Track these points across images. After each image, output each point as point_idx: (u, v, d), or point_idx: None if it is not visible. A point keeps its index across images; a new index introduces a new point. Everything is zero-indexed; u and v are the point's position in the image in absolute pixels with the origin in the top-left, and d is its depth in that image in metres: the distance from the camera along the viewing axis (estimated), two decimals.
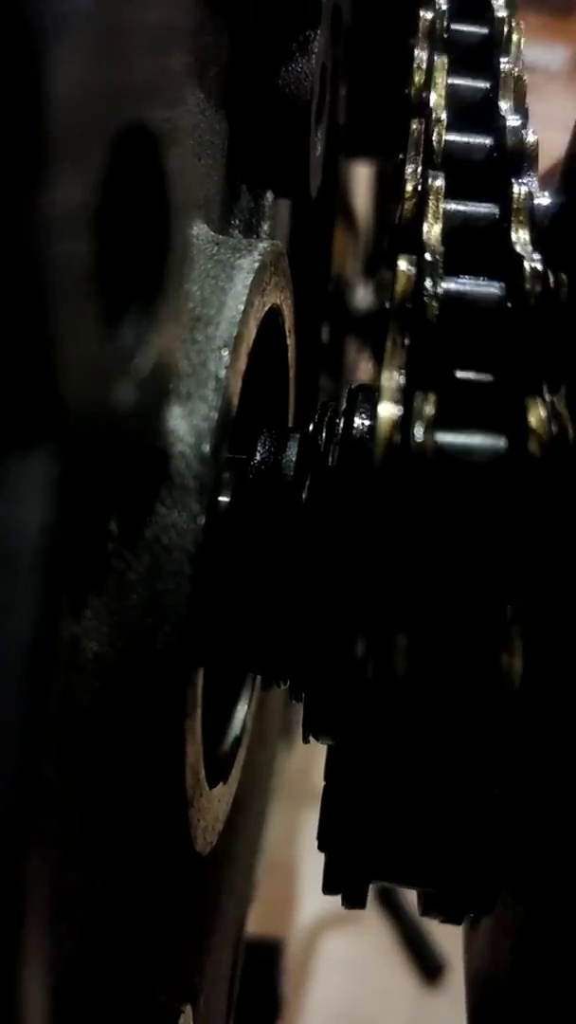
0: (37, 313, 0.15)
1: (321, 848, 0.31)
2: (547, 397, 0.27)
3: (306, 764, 1.10)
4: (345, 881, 0.30)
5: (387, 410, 0.27)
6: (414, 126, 0.36)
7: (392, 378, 0.27)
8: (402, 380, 0.27)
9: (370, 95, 0.62)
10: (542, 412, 0.26)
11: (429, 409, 0.26)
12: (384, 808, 0.29)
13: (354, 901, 0.31)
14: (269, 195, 0.42)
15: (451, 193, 0.33)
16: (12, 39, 0.13)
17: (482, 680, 0.27)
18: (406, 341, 0.28)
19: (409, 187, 0.34)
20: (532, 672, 0.27)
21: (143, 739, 0.27)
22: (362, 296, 1.29)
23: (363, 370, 1.26)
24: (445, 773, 0.28)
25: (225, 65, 0.37)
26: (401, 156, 0.36)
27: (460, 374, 0.28)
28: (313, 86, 0.41)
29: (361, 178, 1.21)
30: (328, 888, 0.31)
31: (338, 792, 0.30)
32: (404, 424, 0.27)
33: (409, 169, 0.34)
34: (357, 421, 0.33)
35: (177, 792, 0.29)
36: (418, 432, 0.26)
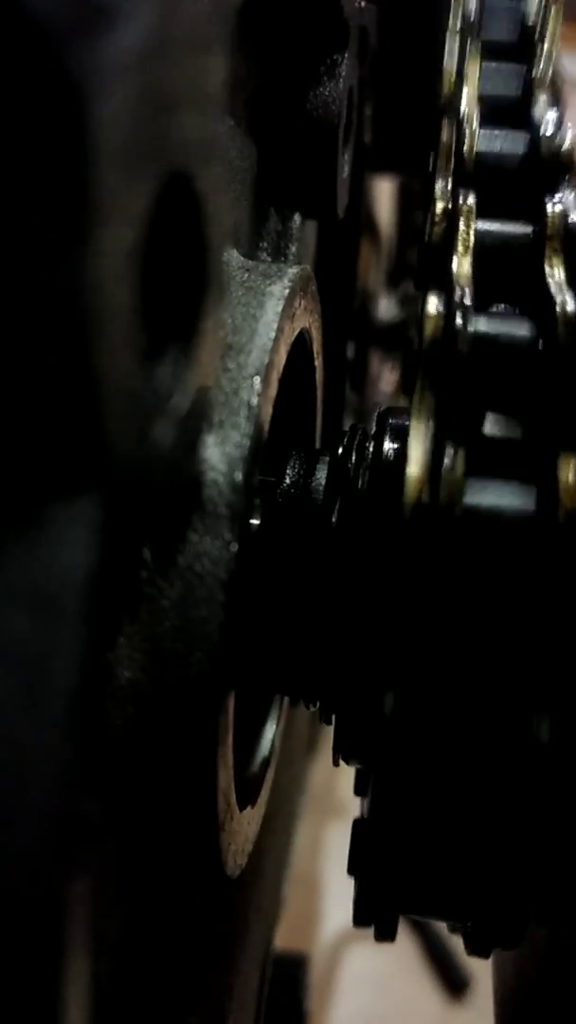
0: (81, 358, 0.15)
1: (352, 874, 0.31)
2: None
3: (330, 778, 1.10)
4: (376, 913, 0.30)
5: (416, 469, 0.27)
6: (443, 136, 0.36)
7: (421, 432, 0.28)
8: (431, 432, 0.28)
9: (396, 113, 0.62)
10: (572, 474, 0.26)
11: (459, 468, 0.27)
12: (416, 839, 0.29)
13: (385, 933, 0.31)
14: (297, 217, 0.42)
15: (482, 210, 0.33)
16: (58, 93, 0.14)
17: (514, 710, 0.27)
18: (434, 387, 0.28)
19: (439, 207, 0.33)
20: (565, 702, 0.27)
21: (176, 765, 0.27)
22: (385, 307, 1.29)
23: (387, 381, 1.26)
24: (475, 802, 0.28)
25: (253, 90, 0.38)
26: (430, 168, 0.36)
27: (490, 428, 0.28)
28: (341, 109, 0.41)
29: (384, 191, 1.21)
30: (359, 920, 0.31)
31: (370, 822, 0.30)
32: (433, 481, 0.27)
33: (439, 186, 0.34)
34: (386, 445, 0.33)
35: (209, 817, 0.29)
36: (445, 493, 0.26)
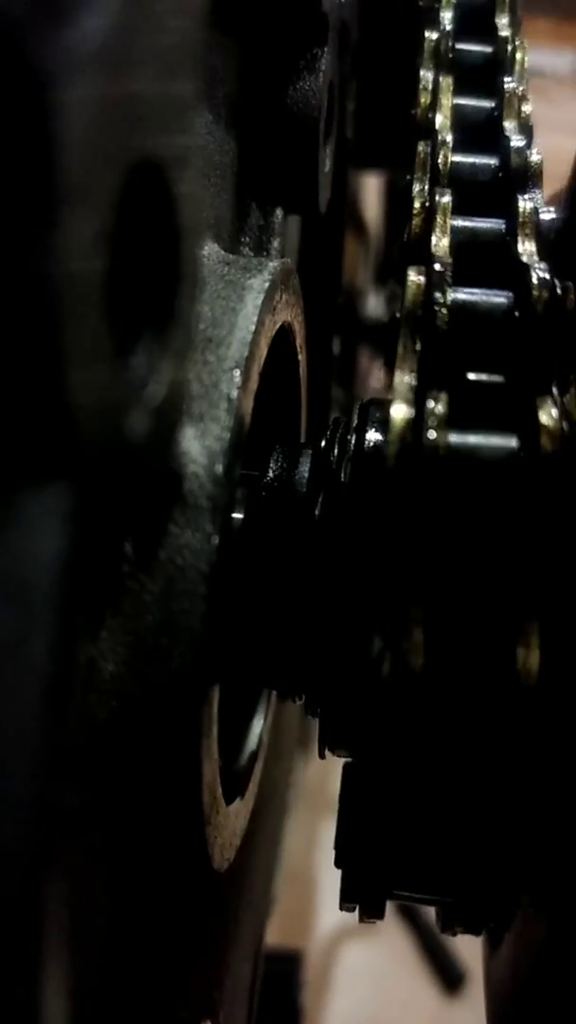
0: (51, 344, 0.15)
1: (338, 862, 0.31)
2: (557, 397, 0.27)
3: (323, 774, 1.10)
4: (362, 895, 0.30)
5: (400, 411, 0.27)
6: (420, 148, 0.36)
7: (404, 381, 0.28)
8: (414, 382, 0.28)
9: (378, 109, 0.62)
10: (553, 411, 0.26)
11: (441, 408, 0.27)
12: (400, 821, 0.29)
13: (371, 913, 0.31)
14: (279, 212, 0.42)
15: (458, 210, 0.33)
16: (21, 81, 0.14)
17: (498, 685, 0.27)
18: (417, 347, 0.29)
19: (417, 204, 0.34)
20: (550, 677, 0.27)
21: (160, 758, 0.27)
22: (373, 305, 1.29)
23: (375, 378, 1.26)
24: (461, 784, 0.28)
25: (233, 85, 0.38)
26: (408, 177, 0.36)
27: (471, 376, 0.28)
28: (321, 103, 0.41)
29: (371, 188, 1.21)
30: (345, 901, 0.31)
31: (354, 806, 0.30)
32: (417, 425, 0.27)
33: (416, 188, 0.34)
34: (368, 436, 0.33)
35: (194, 810, 0.29)
36: (431, 431, 0.26)
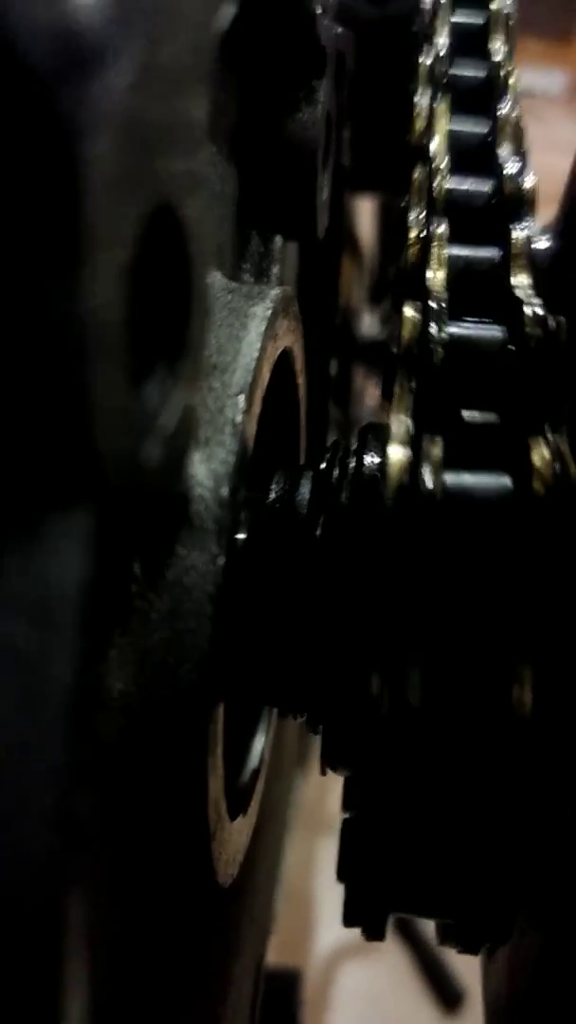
0: (75, 377, 0.16)
1: (340, 879, 0.32)
2: (550, 437, 0.28)
3: (321, 794, 1.10)
4: (365, 914, 0.31)
5: (397, 454, 0.28)
6: (416, 174, 0.37)
7: (401, 422, 0.28)
8: (411, 424, 0.29)
9: (373, 135, 0.63)
10: (545, 452, 0.27)
11: (437, 452, 0.28)
12: (402, 839, 0.29)
13: (374, 933, 0.31)
14: (278, 239, 0.43)
15: (453, 235, 0.34)
16: (50, 132, 0.14)
17: (495, 712, 0.28)
18: (413, 386, 0.29)
19: (413, 233, 0.35)
20: (544, 702, 0.27)
21: (167, 775, 0.28)
22: (368, 324, 1.31)
23: (370, 395, 1.27)
24: (461, 803, 0.29)
25: (233, 117, 0.39)
26: (404, 203, 0.37)
27: (466, 416, 0.29)
28: (319, 134, 0.42)
29: (365, 209, 1.23)
30: (348, 921, 0.31)
31: (356, 824, 0.30)
32: (414, 468, 0.28)
33: (412, 215, 0.35)
34: (367, 459, 0.34)
35: (200, 826, 0.29)
36: (427, 475, 0.27)
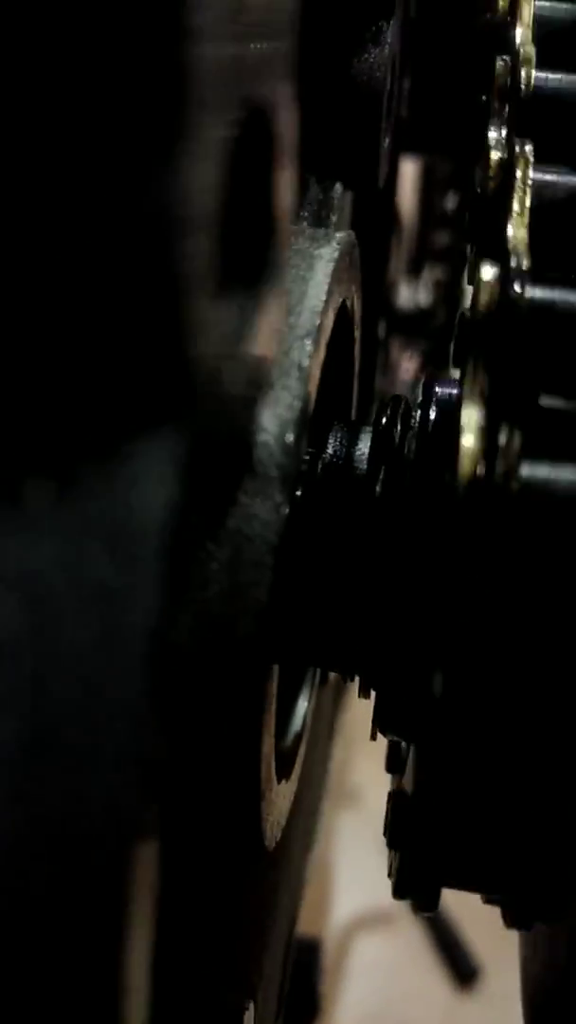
0: (165, 294, 0.14)
1: (392, 848, 0.31)
2: None
3: (342, 764, 1.09)
4: (418, 884, 0.30)
5: (469, 442, 0.27)
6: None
7: (472, 415, 0.27)
8: (483, 413, 0.27)
9: (431, 92, 0.61)
10: None
11: (515, 444, 0.26)
12: (459, 811, 0.28)
13: (427, 905, 0.30)
14: (338, 187, 0.42)
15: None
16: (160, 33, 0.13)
17: (558, 682, 0.27)
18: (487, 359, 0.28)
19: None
20: None
21: (223, 730, 0.27)
22: (406, 295, 1.28)
23: (405, 369, 1.25)
24: (518, 774, 0.28)
25: (298, 56, 0.37)
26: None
27: (546, 402, 0.27)
28: (386, 77, 0.40)
29: (407, 175, 1.20)
30: (399, 892, 0.30)
31: (414, 794, 0.29)
32: (489, 456, 0.26)
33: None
34: (433, 414, 0.33)
35: (253, 783, 0.28)
36: (501, 468, 0.26)
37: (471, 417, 0.27)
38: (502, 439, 0.26)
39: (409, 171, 1.20)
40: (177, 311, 0.14)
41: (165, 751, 0.16)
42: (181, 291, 0.14)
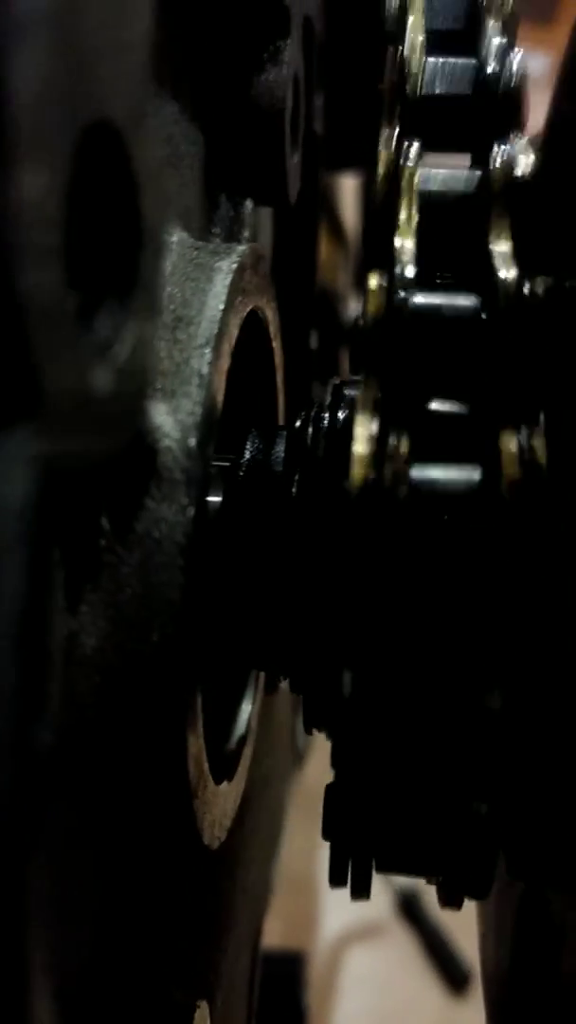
0: (8, 282, 0.15)
1: (325, 838, 0.31)
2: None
3: (324, 781, 1.10)
4: (349, 872, 0.31)
5: (360, 448, 0.28)
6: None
7: (363, 422, 0.28)
8: (376, 421, 0.28)
9: (347, 107, 0.63)
10: (512, 445, 0.27)
11: (403, 448, 0.27)
12: (380, 798, 0.29)
13: (359, 891, 0.31)
14: (249, 203, 0.43)
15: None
16: None
17: (467, 679, 0.27)
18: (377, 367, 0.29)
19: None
20: (513, 669, 0.27)
21: (145, 731, 0.27)
22: (354, 308, 1.30)
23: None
24: (433, 761, 0.29)
25: (198, 77, 0.38)
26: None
27: (434, 406, 0.29)
28: (285, 95, 0.42)
29: (348, 191, 1.22)
30: (334, 880, 0.31)
31: (338, 784, 0.30)
32: (379, 461, 0.27)
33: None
34: (341, 414, 0.34)
35: (181, 784, 0.29)
36: (389, 471, 0.27)
37: (362, 424, 0.28)
38: (391, 444, 0.28)
39: (350, 188, 1.23)
40: (19, 301, 0.15)
41: (50, 739, 0.17)
42: (22, 278, 0.15)
